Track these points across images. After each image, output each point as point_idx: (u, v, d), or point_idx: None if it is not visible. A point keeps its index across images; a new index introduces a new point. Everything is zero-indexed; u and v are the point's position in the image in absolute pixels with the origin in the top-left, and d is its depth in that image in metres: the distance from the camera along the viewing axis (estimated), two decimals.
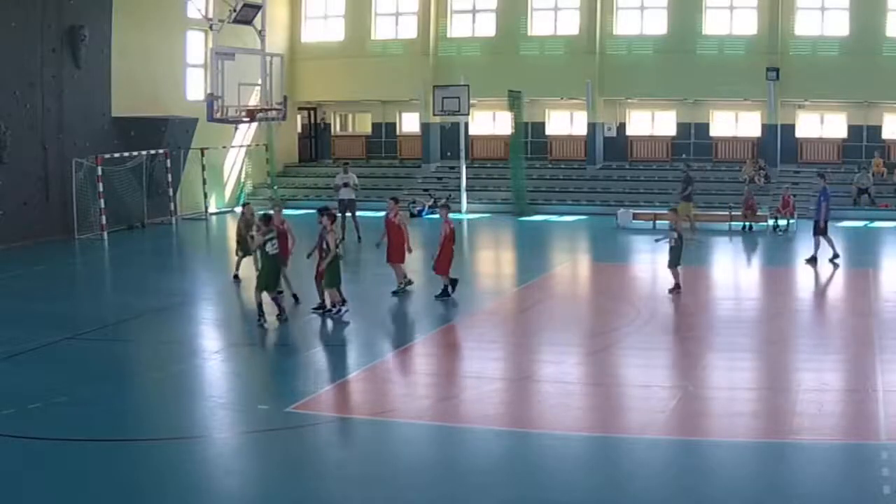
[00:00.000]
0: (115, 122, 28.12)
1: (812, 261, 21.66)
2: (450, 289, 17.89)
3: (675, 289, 18.20)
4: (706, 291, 19.92)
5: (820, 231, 21.77)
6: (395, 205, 18.72)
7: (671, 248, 18.30)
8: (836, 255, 21.66)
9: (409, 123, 37.34)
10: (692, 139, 34.32)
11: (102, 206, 26.52)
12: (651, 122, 35.34)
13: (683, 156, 33.40)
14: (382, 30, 36.60)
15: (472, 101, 32.27)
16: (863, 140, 32.57)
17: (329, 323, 16.25)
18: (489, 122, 36.85)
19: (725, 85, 32.24)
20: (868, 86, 31.10)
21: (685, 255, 18.53)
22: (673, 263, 18.32)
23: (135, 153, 28.10)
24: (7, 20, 24.44)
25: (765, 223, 27.34)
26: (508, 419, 11.70)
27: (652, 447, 10.43)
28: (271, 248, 15.91)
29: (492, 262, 25.58)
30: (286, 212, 19.58)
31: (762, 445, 10.38)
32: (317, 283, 16.74)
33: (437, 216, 31.72)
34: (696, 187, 31.99)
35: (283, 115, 27.98)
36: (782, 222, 27.33)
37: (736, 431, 10.87)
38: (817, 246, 21.73)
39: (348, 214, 25.57)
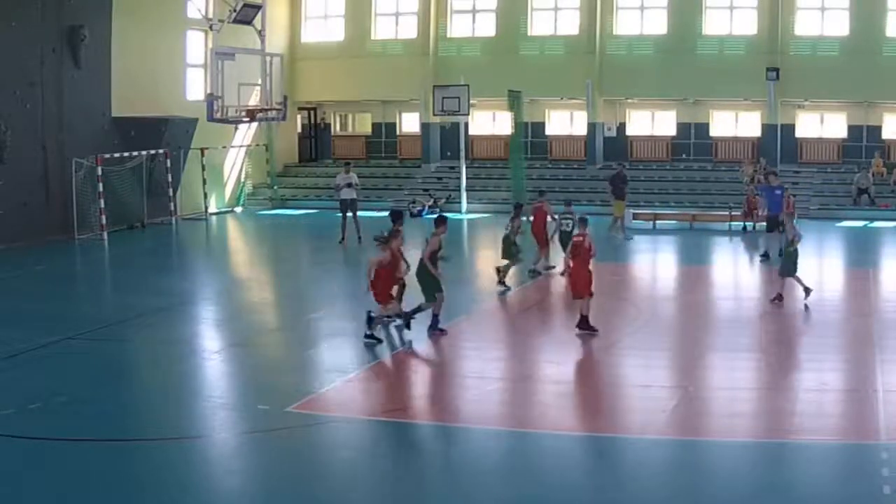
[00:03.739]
0: (115, 122, 28.09)
1: (765, 257, 21.95)
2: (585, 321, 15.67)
3: (778, 298, 17.20)
4: (706, 291, 19.94)
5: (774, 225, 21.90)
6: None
7: (788, 255, 17.46)
8: (765, 256, 21.92)
9: (409, 123, 37.33)
10: (692, 139, 34.31)
11: (102, 206, 26.48)
12: (651, 122, 35.34)
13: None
14: (382, 30, 36.60)
15: (472, 101, 32.26)
16: (863, 140, 32.57)
17: (330, 323, 16.23)
18: (489, 122, 36.83)
19: (725, 85, 32.24)
20: (868, 86, 31.10)
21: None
22: (787, 272, 17.42)
23: (135, 153, 28.08)
24: (7, 20, 24.42)
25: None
26: (508, 419, 11.70)
27: (652, 447, 10.42)
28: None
29: (492, 261, 25.50)
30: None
31: (762, 445, 10.38)
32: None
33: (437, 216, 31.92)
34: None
35: (284, 115, 27.95)
36: None
37: (736, 431, 10.87)
38: (767, 244, 22.14)
39: (349, 214, 25.57)
